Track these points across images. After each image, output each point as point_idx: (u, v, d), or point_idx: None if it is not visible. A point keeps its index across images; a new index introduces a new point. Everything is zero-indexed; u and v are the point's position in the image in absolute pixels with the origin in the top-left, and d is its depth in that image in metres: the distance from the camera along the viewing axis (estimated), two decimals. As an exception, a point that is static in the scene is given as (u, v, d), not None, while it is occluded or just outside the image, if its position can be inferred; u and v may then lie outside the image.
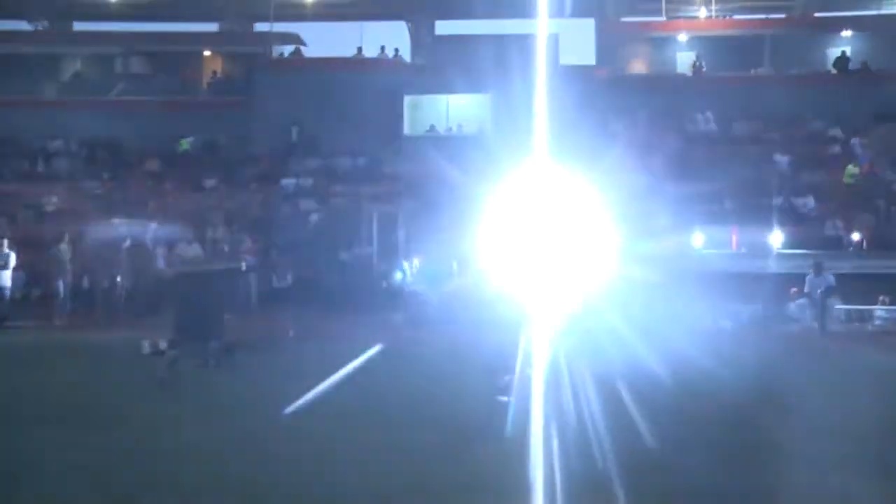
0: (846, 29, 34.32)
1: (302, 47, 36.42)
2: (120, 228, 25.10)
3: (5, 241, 19.65)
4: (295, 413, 8.95)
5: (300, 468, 6.66)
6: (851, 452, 7.41)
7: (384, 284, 20.59)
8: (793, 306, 18.94)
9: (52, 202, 28.77)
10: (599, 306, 14.43)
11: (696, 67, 33.36)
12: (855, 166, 27.35)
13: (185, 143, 31.69)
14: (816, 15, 36.47)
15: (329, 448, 7.37)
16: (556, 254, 12.18)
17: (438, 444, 7.53)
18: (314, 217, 26.58)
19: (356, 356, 14.28)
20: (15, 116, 32.59)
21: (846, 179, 27.20)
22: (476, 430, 8.14)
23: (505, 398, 9.53)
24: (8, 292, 18.86)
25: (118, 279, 19.95)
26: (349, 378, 11.76)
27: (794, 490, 6.26)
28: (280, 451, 7.28)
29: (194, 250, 20.93)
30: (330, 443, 7.58)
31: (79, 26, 40.52)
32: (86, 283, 22.72)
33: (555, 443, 7.44)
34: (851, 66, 32.78)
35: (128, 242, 20.94)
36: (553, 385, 10.89)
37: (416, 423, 8.49)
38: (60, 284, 19.55)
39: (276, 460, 6.94)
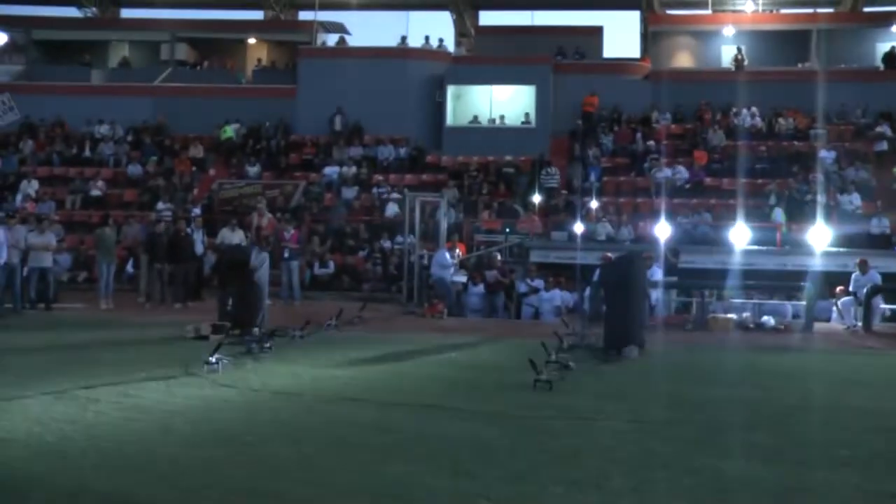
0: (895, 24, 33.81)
1: (346, 36, 36.55)
2: (162, 214, 25.41)
3: (45, 223, 19.87)
4: (331, 399, 9.02)
5: (328, 460, 6.71)
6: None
7: (426, 274, 20.61)
8: (838, 304, 18.74)
9: (97, 187, 29.14)
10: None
11: (737, 61, 33.06)
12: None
13: (230, 130, 31.92)
14: (865, 9, 35.99)
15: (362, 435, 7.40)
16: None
17: (475, 433, 7.56)
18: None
19: (397, 343, 14.37)
20: (63, 102, 33.05)
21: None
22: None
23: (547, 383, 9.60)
24: (51, 275, 19.06)
25: (157, 264, 20.09)
26: (389, 365, 11.83)
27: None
28: (321, 434, 7.33)
29: (238, 237, 21.06)
30: (373, 432, 7.61)
31: (126, 13, 41.01)
32: (130, 266, 23.00)
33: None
34: (902, 62, 32.35)
35: (161, 226, 21.01)
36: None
37: (454, 410, 8.52)
38: (105, 268, 19.75)
39: (314, 443, 6.99)
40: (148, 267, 20.28)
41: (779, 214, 24.32)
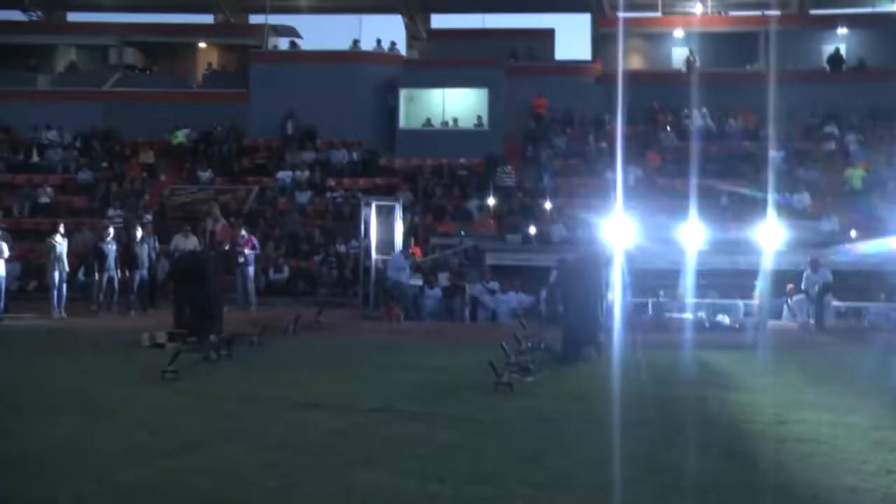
0: (841, 26, 34.40)
1: (298, 40, 36.37)
2: (113, 220, 25.05)
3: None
4: (292, 406, 8.98)
5: (302, 461, 6.67)
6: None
7: (381, 277, 20.57)
8: (790, 302, 19.02)
9: (46, 193, 28.71)
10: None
11: (689, 62, 33.41)
12: (858, 168, 27.25)
13: (180, 135, 31.61)
14: (812, 12, 36.54)
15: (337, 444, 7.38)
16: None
17: (439, 436, 7.56)
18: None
19: (355, 347, 14.35)
20: (9, 107, 32.50)
21: (854, 183, 26.90)
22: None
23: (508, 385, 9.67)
24: (3, 283, 18.74)
25: (110, 271, 19.81)
26: (348, 370, 11.79)
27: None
28: (285, 441, 7.29)
29: (191, 243, 20.86)
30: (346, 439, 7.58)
31: (73, 17, 40.45)
32: (81, 274, 22.65)
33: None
34: (847, 63, 32.90)
35: (111, 233, 20.60)
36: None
37: (416, 414, 8.53)
38: (56, 276, 19.43)
39: (278, 450, 6.96)
40: (100, 275, 19.96)
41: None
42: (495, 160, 28.79)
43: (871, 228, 23.31)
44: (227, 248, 20.79)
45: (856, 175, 27.03)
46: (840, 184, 27.19)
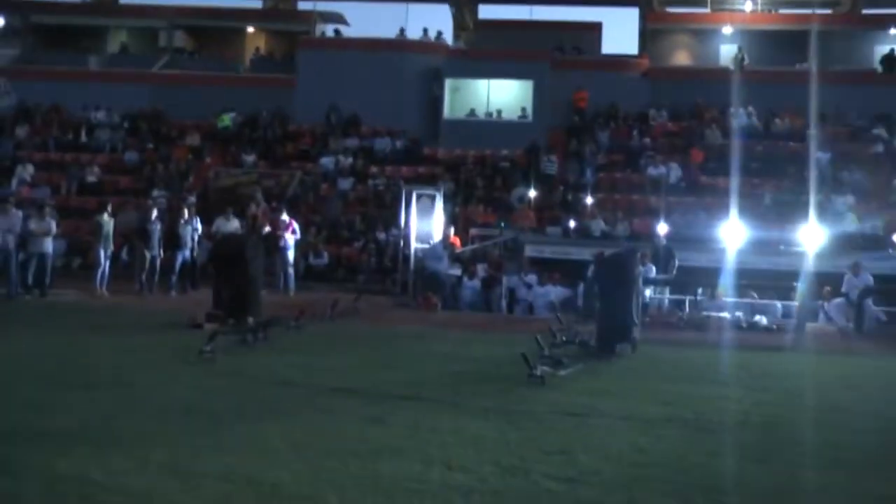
0: (894, 26, 33.89)
1: (345, 27, 36.50)
2: (158, 200, 25.32)
3: (47, 209, 19.87)
4: (324, 390, 9.08)
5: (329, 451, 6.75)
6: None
7: (420, 266, 20.63)
8: (829, 305, 18.83)
9: (93, 173, 29.10)
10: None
11: (738, 61, 33.07)
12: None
13: (226, 119, 31.88)
14: (864, 11, 36.03)
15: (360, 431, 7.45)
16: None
17: (468, 427, 7.62)
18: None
19: (391, 335, 14.44)
20: (60, 87, 32.97)
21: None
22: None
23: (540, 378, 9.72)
24: (50, 259, 19.07)
25: (153, 251, 20.06)
26: (382, 358, 11.88)
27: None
28: (315, 425, 7.38)
29: (233, 225, 21.07)
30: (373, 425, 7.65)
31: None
32: (125, 254, 22.94)
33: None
34: (900, 64, 32.42)
35: (155, 213, 20.81)
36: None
37: (446, 403, 8.60)
38: (101, 254, 19.71)
39: (308, 434, 7.05)
40: (143, 254, 20.22)
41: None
42: (538, 149, 28.78)
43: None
44: (267, 231, 20.95)
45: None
46: (885, 187, 26.82)
